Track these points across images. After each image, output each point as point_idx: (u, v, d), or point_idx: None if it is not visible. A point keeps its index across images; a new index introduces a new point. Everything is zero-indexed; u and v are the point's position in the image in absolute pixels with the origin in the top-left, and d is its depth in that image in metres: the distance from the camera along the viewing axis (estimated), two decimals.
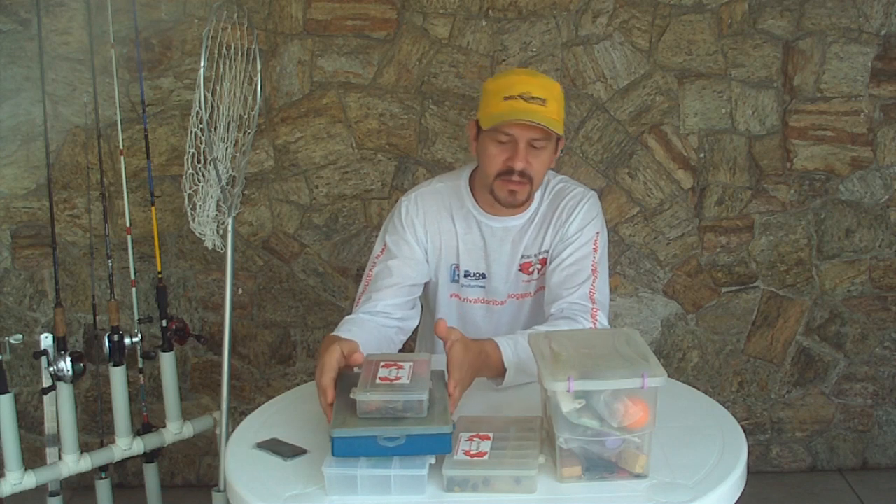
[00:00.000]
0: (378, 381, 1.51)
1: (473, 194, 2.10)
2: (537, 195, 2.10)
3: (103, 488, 2.66)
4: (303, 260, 3.16)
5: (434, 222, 2.10)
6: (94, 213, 2.96)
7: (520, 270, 2.10)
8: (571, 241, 2.04)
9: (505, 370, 1.80)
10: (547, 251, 2.08)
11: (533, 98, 1.93)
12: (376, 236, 2.91)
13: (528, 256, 2.10)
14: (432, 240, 2.10)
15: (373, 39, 3.03)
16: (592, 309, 1.96)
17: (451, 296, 2.15)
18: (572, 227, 2.05)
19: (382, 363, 1.57)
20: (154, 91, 3.02)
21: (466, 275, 2.12)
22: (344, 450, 1.42)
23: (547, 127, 1.92)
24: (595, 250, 2.04)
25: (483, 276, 2.11)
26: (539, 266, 2.10)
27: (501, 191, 2.00)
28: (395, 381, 1.51)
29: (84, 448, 2.51)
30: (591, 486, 1.44)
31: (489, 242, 2.09)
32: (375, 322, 1.97)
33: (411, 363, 1.58)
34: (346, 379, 1.59)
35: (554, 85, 2.00)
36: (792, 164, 3.09)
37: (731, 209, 3.11)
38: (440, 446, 1.43)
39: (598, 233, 2.06)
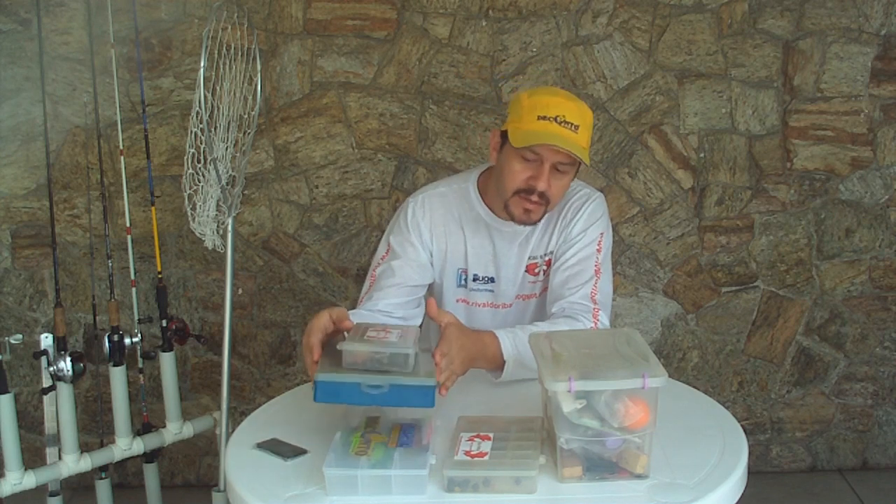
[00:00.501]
0: (366, 337, 1.54)
1: (483, 199, 2.09)
2: None
3: (103, 488, 2.66)
4: (303, 260, 3.15)
5: (440, 226, 2.09)
6: (94, 213, 2.96)
7: (526, 272, 2.10)
8: (575, 242, 2.04)
9: (503, 363, 1.81)
10: (552, 252, 2.08)
11: (566, 123, 1.90)
12: (376, 236, 2.92)
13: (535, 257, 2.10)
14: (438, 243, 2.10)
15: (373, 39, 3.02)
16: (594, 309, 1.96)
17: (458, 301, 2.14)
18: (576, 228, 2.04)
19: (371, 328, 1.60)
20: (154, 91, 3.02)
21: (475, 279, 2.11)
22: (327, 395, 1.44)
23: (577, 156, 1.90)
24: (599, 251, 2.04)
25: (492, 279, 2.11)
26: (545, 267, 2.09)
27: (517, 208, 1.98)
28: (382, 339, 1.54)
29: (84, 448, 2.51)
30: (591, 487, 1.44)
31: (498, 246, 2.08)
32: (375, 318, 1.97)
33: (399, 329, 1.60)
34: (333, 343, 1.61)
35: (588, 112, 1.98)
36: (792, 164, 3.09)
37: (731, 209, 3.11)
38: (423, 399, 1.45)
39: (602, 234, 2.06)
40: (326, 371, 1.45)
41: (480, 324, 2.13)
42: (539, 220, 2.03)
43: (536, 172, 1.93)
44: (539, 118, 1.90)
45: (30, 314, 3.14)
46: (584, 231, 2.04)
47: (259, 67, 2.50)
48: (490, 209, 2.08)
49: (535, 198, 1.94)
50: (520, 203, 1.96)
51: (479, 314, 2.13)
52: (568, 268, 2.02)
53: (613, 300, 3.11)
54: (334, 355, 1.52)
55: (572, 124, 1.90)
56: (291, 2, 2.99)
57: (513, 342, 1.82)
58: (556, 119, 1.89)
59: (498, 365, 1.82)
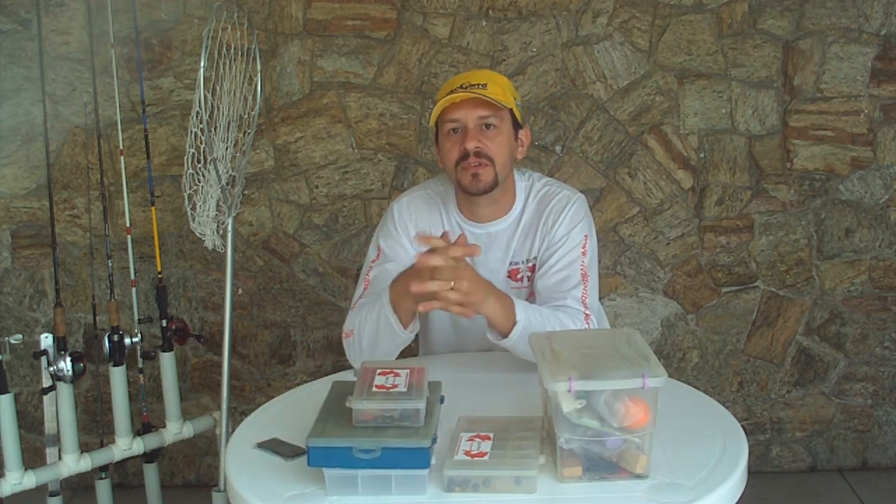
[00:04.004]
0: (374, 388, 1.49)
1: (458, 203, 2.11)
2: (521, 199, 2.10)
3: (103, 488, 2.66)
4: (303, 260, 3.15)
5: (426, 227, 2.10)
6: (94, 213, 2.96)
7: (508, 277, 2.09)
8: (559, 247, 2.02)
9: (513, 324, 1.81)
10: (535, 258, 2.07)
11: (472, 85, 1.97)
12: None
13: (517, 263, 2.09)
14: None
15: (373, 39, 3.02)
16: (585, 314, 1.95)
17: None
18: (559, 231, 2.03)
19: (379, 370, 1.55)
20: (154, 91, 3.02)
21: None
22: (319, 459, 1.41)
23: (489, 98, 1.94)
24: (584, 254, 2.02)
25: None
26: (528, 273, 2.08)
27: (465, 178, 2.00)
28: (391, 389, 1.49)
29: (84, 448, 2.51)
30: (591, 487, 1.44)
31: None
32: None
33: (408, 371, 1.56)
34: (340, 387, 1.59)
35: (500, 76, 2.06)
36: (792, 164, 3.09)
37: (731, 209, 3.11)
38: (417, 461, 1.40)
39: (586, 236, 2.04)
40: (319, 435, 1.42)
41: (465, 327, 2.11)
42: (492, 185, 2.01)
43: (464, 137, 1.98)
44: (447, 94, 1.99)
45: (30, 314, 3.14)
46: (567, 234, 2.03)
47: (259, 67, 2.50)
48: (463, 213, 2.09)
49: (472, 160, 1.97)
50: (464, 173, 1.99)
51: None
52: (554, 273, 2.01)
53: (612, 300, 3.14)
54: (334, 407, 1.50)
55: (478, 84, 1.97)
56: (291, 2, 3.00)
57: (525, 309, 1.83)
58: (461, 87, 1.98)
59: (508, 322, 1.82)
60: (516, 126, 2.05)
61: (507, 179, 2.06)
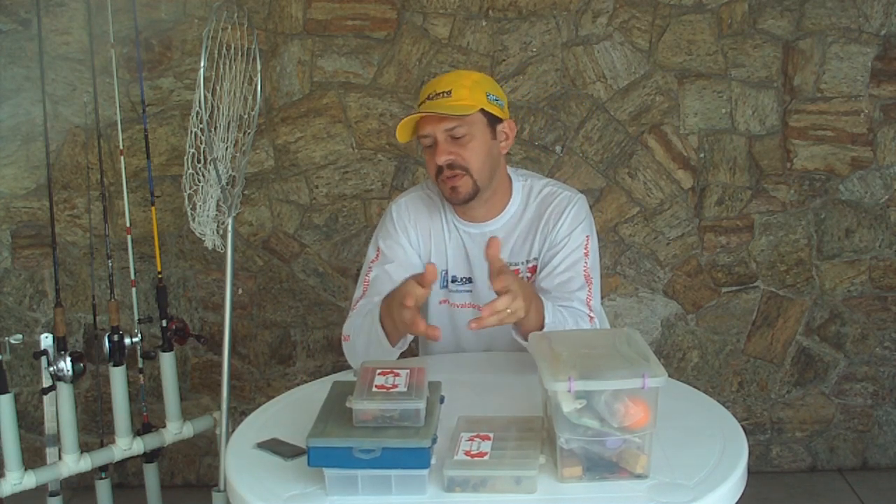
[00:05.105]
0: (374, 388, 1.49)
1: (451, 204, 2.11)
2: (520, 199, 2.09)
3: (103, 488, 2.66)
4: (303, 260, 3.15)
5: (425, 227, 2.10)
6: (94, 213, 2.96)
7: None
8: (561, 247, 2.02)
9: (543, 325, 1.80)
10: (536, 258, 2.06)
11: (437, 94, 1.95)
12: None
13: (516, 264, 2.07)
14: (424, 243, 2.10)
15: (373, 39, 3.03)
16: (589, 317, 1.95)
17: (441, 302, 2.12)
18: (561, 231, 2.03)
19: (379, 370, 1.55)
20: (154, 91, 3.02)
21: (454, 280, 2.11)
22: (320, 459, 1.41)
23: (446, 113, 1.92)
24: (587, 255, 2.01)
25: (469, 280, 2.10)
26: (528, 274, 2.07)
27: (445, 190, 2.01)
28: (391, 390, 1.49)
29: (84, 448, 2.51)
30: (591, 487, 1.44)
31: (469, 248, 2.08)
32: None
33: (408, 371, 1.55)
34: (340, 387, 1.59)
35: (467, 74, 2.01)
36: (792, 164, 3.09)
37: (731, 209, 3.11)
38: (418, 461, 1.40)
39: (588, 237, 2.04)
40: (319, 435, 1.41)
41: (463, 326, 2.11)
42: (472, 193, 2.00)
43: (434, 152, 1.99)
44: (417, 107, 1.99)
45: (30, 314, 3.14)
46: (568, 235, 2.02)
47: (259, 67, 2.50)
48: (457, 214, 2.09)
49: (447, 173, 1.97)
50: (444, 186, 2.00)
51: (461, 315, 2.11)
52: (557, 275, 2.00)
53: (612, 300, 3.14)
54: (334, 407, 1.50)
55: (443, 92, 1.95)
56: (291, 2, 3.00)
57: (552, 311, 1.82)
58: (428, 98, 1.97)
59: (539, 325, 1.80)
60: (495, 122, 2.02)
61: (495, 178, 2.05)
